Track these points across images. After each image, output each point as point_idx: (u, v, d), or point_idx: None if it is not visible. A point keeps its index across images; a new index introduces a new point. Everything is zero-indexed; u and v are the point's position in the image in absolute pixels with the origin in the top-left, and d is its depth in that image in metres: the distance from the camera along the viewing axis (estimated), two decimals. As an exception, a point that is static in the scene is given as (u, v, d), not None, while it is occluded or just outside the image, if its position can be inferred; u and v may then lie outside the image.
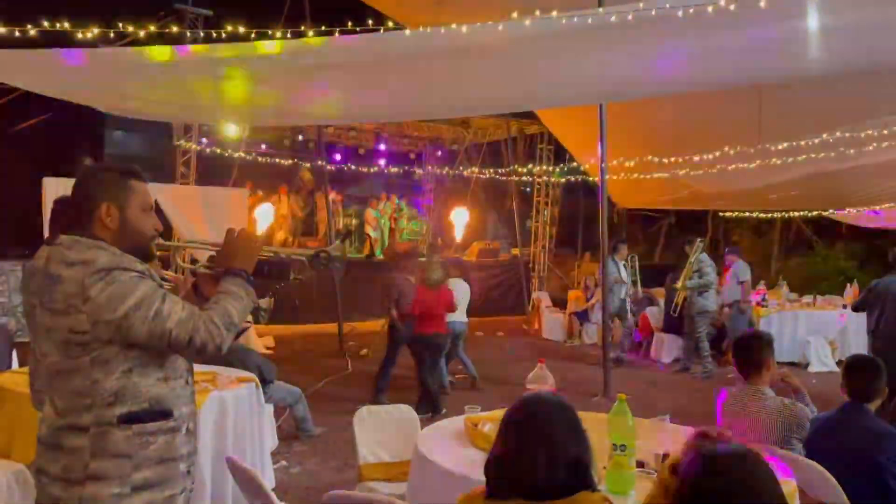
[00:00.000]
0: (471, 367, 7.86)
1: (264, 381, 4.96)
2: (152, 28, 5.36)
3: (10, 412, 3.85)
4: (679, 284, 8.94)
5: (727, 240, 20.02)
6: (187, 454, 1.98)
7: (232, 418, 4.05)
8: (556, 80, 5.74)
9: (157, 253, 2.13)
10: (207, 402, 3.92)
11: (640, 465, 2.56)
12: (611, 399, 6.36)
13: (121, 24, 4.84)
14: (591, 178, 13.12)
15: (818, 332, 9.86)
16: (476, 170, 16.05)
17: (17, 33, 4.51)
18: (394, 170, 16.01)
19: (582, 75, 5.59)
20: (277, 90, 5.92)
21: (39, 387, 1.94)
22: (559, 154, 15.49)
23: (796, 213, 15.88)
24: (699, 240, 9.28)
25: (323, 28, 4.56)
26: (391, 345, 7.31)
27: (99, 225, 1.92)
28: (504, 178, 15.40)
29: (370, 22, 4.58)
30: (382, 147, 16.76)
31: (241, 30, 4.89)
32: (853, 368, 3.22)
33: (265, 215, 14.17)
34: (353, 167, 15.38)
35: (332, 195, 13.69)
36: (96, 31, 4.69)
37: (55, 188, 8.70)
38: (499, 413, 3.17)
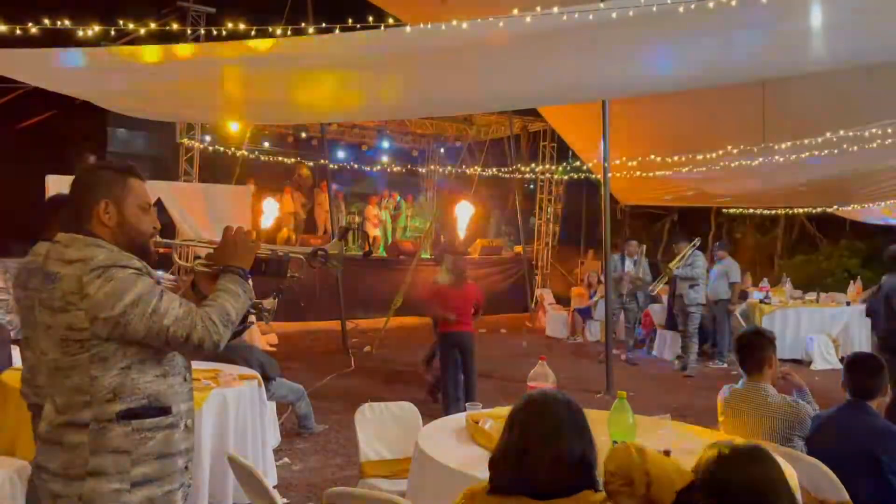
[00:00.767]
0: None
1: (267, 379, 4.97)
2: (153, 25, 5.35)
3: (14, 410, 3.85)
4: (672, 265, 8.94)
5: (730, 237, 19.98)
6: (185, 450, 1.98)
7: (234, 415, 4.07)
8: (558, 77, 5.73)
9: (160, 251, 2.13)
10: (210, 400, 3.93)
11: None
12: (614, 396, 6.35)
13: (121, 22, 4.84)
14: (594, 176, 13.10)
15: (821, 330, 9.85)
16: (479, 167, 16.03)
17: (17, 31, 4.52)
18: (396, 168, 16.01)
19: (583, 72, 5.58)
20: (278, 89, 5.92)
21: (38, 383, 1.94)
22: (562, 151, 15.47)
23: (800, 210, 15.83)
24: (697, 239, 9.31)
25: (324, 25, 4.56)
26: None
27: (97, 222, 1.92)
28: (507, 175, 15.39)
29: (370, 19, 4.57)
30: (385, 144, 16.75)
31: (242, 27, 4.88)
32: (854, 365, 3.21)
33: (272, 212, 14.21)
34: (355, 164, 15.39)
35: (335, 192, 13.69)
36: (97, 28, 4.69)
37: (59, 186, 8.72)
38: (500, 410, 3.19)
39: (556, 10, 4.03)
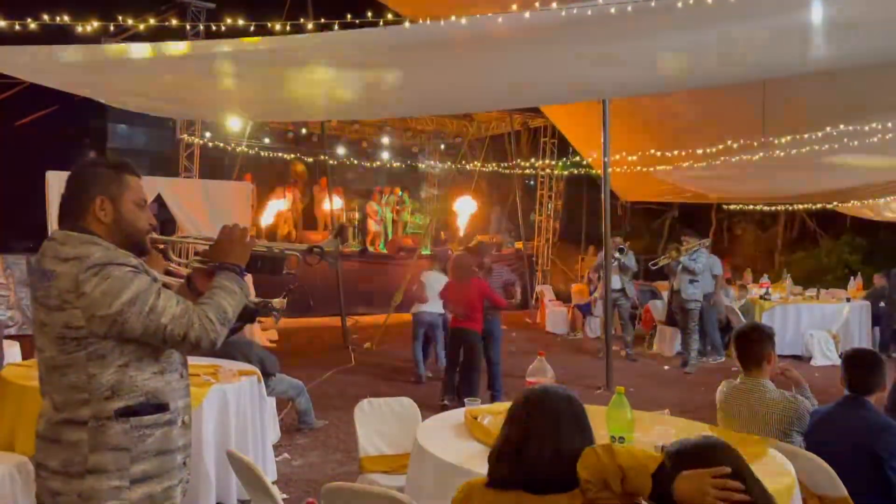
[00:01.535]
0: (442, 361, 7.81)
1: (267, 375, 4.98)
2: (152, 21, 5.35)
3: (13, 405, 3.86)
4: (682, 248, 8.94)
5: (731, 233, 19.97)
6: (183, 446, 1.98)
7: (234, 411, 4.07)
8: (558, 77, 5.72)
9: (161, 247, 2.13)
10: (210, 396, 3.93)
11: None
12: (613, 392, 6.35)
13: (120, 18, 4.83)
14: (594, 172, 13.10)
15: (821, 326, 9.85)
16: (479, 163, 16.02)
17: (17, 27, 4.51)
18: (396, 164, 15.99)
19: (583, 72, 5.56)
20: (276, 86, 5.91)
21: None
22: (563, 148, 15.46)
23: (801, 206, 15.82)
24: (708, 239, 9.39)
25: (322, 21, 4.55)
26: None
27: (92, 219, 1.91)
28: (508, 171, 15.38)
29: (369, 14, 4.56)
30: (386, 140, 16.75)
31: (241, 22, 4.87)
32: (853, 361, 3.21)
33: (273, 209, 14.22)
34: (355, 161, 15.37)
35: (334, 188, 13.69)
36: (96, 24, 4.68)
37: (59, 182, 8.71)
38: (499, 406, 3.19)
39: (554, 5, 4.03)
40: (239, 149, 13.26)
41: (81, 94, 6.40)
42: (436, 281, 7.48)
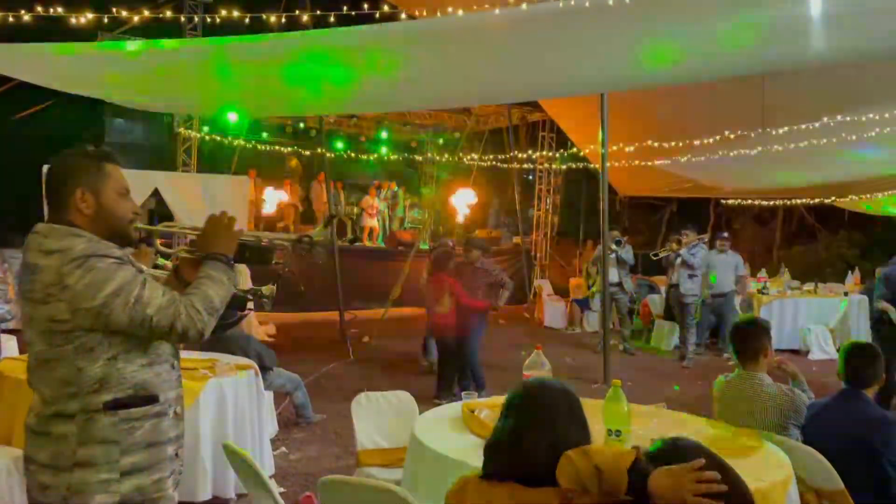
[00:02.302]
0: (432, 354, 7.80)
1: (264, 369, 4.98)
2: (146, 13, 5.32)
3: (10, 399, 3.86)
4: (681, 242, 8.97)
5: (729, 228, 19.95)
6: (175, 437, 1.97)
7: (232, 405, 4.06)
8: (555, 70, 5.69)
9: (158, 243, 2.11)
10: (207, 389, 3.93)
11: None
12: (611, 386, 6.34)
13: (114, 10, 4.80)
14: (592, 166, 13.08)
15: (819, 320, 9.86)
16: (477, 157, 15.99)
17: (10, 19, 4.48)
18: (394, 158, 15.97)
19: (580, 65, 5.54)
20: (273, 81, 5.88)
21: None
22: (561, 142, 15.42)
23: (799, 201, 15.81)
24: (706, 235, 9.39)
25: (318, 13, 4.53)
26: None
27: (74, 211, 1.89)
28: (506, 165, 15.35)
29: (365, 6, 4.54)
30: (384, 135, 16.71)
31: (237, 14, 4.85)
32: (850, 354, 3.21)
33: (272, 203, 14.20)
34: (353, 155, 15.35)
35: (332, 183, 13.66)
36: (90, 16, 4.65)
37: (55, 176, 8.67)
38: (496, 399, 3.19)
39: (552, -2, 4.01)
40: (237, 143, 13.23)
41: (74, 92, 6.36)
42: None
